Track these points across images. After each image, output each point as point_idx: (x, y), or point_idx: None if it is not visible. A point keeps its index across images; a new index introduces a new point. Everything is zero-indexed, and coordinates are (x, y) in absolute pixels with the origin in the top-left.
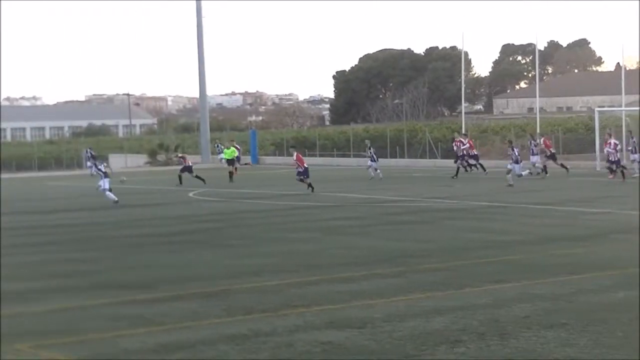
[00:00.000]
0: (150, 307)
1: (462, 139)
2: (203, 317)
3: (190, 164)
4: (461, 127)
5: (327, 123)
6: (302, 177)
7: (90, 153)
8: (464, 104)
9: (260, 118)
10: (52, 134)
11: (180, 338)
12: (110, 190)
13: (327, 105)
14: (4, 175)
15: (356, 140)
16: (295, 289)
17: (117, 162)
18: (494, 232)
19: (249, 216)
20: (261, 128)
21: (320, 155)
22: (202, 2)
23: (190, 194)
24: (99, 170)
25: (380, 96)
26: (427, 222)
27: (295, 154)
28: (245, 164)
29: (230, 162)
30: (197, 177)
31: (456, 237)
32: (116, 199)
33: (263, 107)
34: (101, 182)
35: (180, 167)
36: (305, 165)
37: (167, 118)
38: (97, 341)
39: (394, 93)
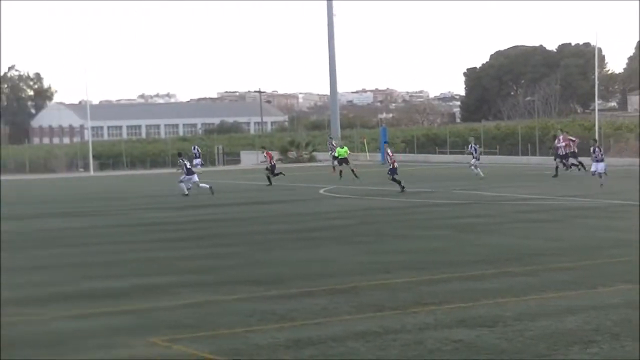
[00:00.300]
0: (281, 303)
1: (571, 138)
2: (333, 313)
3: (274, 163)
4: (594, 125)
5: (458, 120)
6: (393, 176)
7: (197, 150)
8: (597, 101)
9: (391, 115)
10: (185, 131)
11: (311, 334)
12: (188, 188)
13: (458, 103)
14: (139, 172)
15: (487, 138)
16: (425, 287)
17: (249, 159)
18: (626, 231)
19: (379, 213)
20: (391, 125)
21: (451, 153)
22: (333, 1)
23: (321, 191)
24: (184, 165)
25: (512, 93)
26: (558, 221)
27: (388, 150)
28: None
29: (342, 160)
30: (268, 177)
31: (588, 235)
32: (186, 192)
33: (393, 105)
34: (182, 177)
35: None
36: (396, 164)
37: (298, 115)
38: (228, 336)
39: (526, 90)
